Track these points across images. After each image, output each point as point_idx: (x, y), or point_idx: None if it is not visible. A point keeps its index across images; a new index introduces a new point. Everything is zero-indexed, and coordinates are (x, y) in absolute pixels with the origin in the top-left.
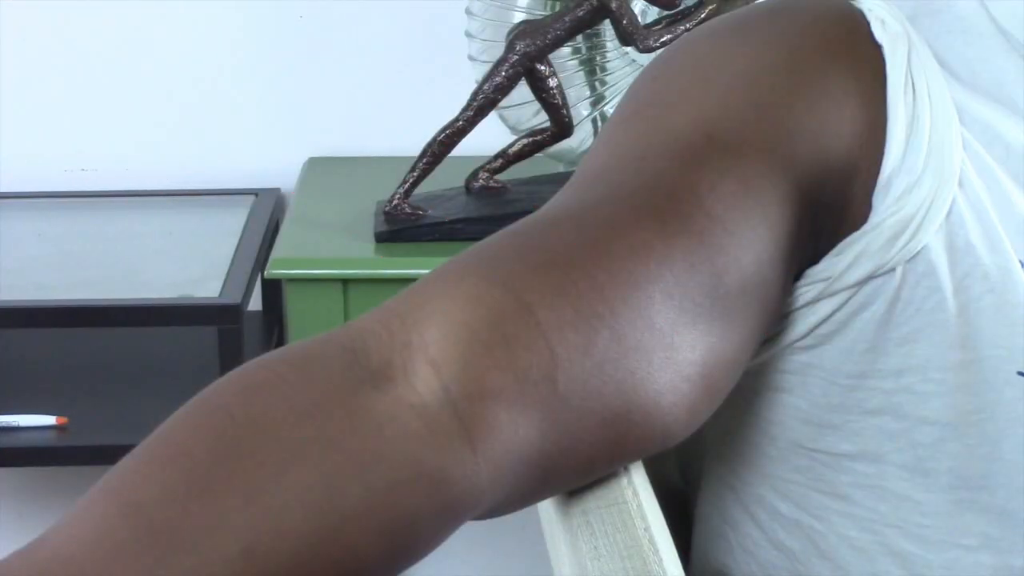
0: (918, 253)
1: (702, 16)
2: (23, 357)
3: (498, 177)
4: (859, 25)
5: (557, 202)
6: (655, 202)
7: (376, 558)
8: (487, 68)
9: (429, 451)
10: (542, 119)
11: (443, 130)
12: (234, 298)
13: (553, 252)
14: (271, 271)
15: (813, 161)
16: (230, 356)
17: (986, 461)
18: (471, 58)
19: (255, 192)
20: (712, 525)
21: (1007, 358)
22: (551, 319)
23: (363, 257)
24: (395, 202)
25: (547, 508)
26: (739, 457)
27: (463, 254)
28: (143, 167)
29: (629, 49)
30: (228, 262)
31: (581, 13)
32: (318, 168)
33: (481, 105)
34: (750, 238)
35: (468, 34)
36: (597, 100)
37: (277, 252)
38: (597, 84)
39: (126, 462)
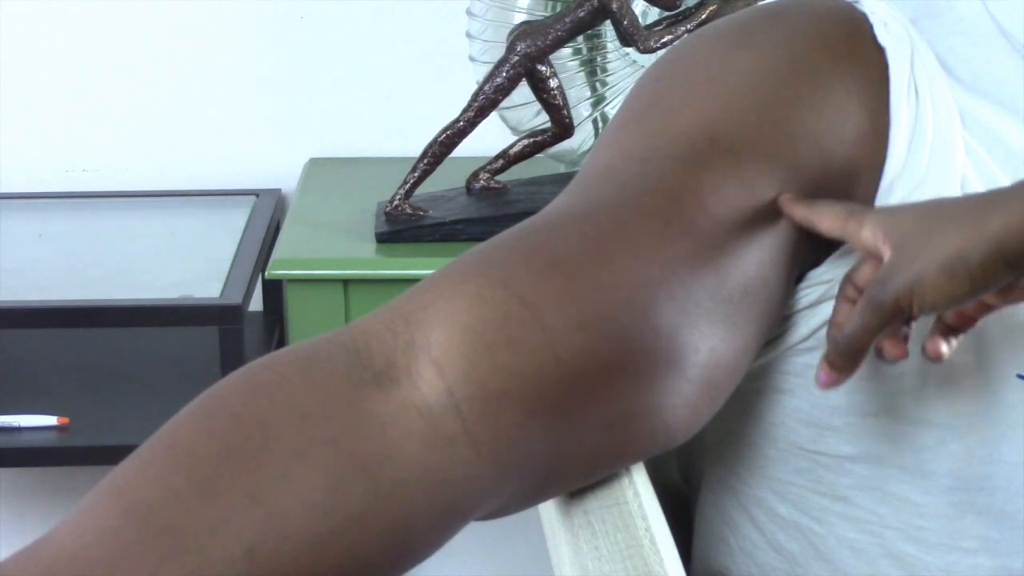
0: None
1: (703, 17)
2: (23, 357)
3: (499, 178)
4: (862, 28)
5: (560, 203)
6: (658, 204)
7: (379, 559)
8: (488, 69)
9: (432, 452)
10: (543, 120)
11: (444, 131)
12: (235, 299)
13: (556, 253)
14: (272, 271)
15: (816, 164)
16: (231, 357)
17: (986, 463)
18: (472, 59)
19: (256, 193)
20: (712, 526)
21: (1008, 360)
22: (554, 321)
23: (364, 258)
24: (396, 203)
25: (548, 508)
26: (739, 458)
27: (466, 255)
28: (143, 167)
29: (630, 50)
30: (229, 263)
31: (582, 14)
32: (319, 169)
33: (482, 106)
34: (753, 240)
35: (469, 35)
36: (598, 101)
37: (278, 253)
38: (598, 85)
39: (129, 462)
